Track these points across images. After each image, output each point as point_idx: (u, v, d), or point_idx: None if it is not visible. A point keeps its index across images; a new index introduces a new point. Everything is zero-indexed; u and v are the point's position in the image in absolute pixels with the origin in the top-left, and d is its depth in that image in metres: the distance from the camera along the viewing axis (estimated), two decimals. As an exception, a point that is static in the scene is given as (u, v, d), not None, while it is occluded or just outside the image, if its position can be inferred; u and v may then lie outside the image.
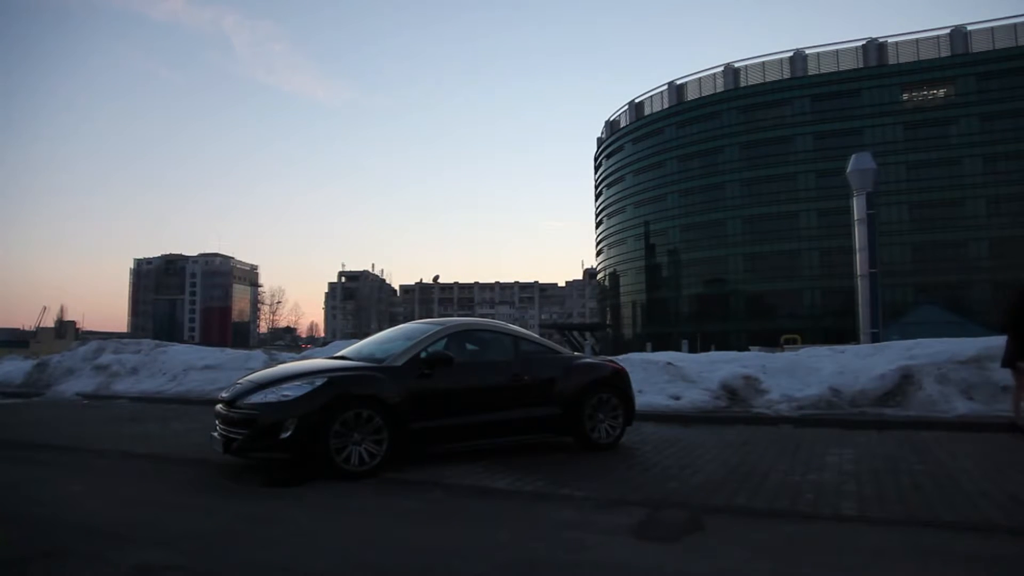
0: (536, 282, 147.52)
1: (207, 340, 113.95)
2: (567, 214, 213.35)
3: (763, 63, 69.85)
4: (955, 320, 41.68)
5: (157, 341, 18.09)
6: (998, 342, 9.57)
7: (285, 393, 5.38)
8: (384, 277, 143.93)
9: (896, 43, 64.56)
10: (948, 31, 62.39)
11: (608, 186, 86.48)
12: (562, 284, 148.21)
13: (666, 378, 10.07)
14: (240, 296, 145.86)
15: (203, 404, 11.38)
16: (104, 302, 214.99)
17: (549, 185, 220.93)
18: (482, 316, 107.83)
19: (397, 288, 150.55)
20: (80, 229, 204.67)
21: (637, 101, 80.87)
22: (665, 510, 4.32)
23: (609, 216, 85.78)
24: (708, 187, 71.48)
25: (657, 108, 77.78)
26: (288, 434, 5.19)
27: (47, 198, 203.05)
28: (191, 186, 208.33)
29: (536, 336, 7.33)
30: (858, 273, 27.71)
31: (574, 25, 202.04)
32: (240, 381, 6.07)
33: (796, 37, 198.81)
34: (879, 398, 8.93)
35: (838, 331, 60.84)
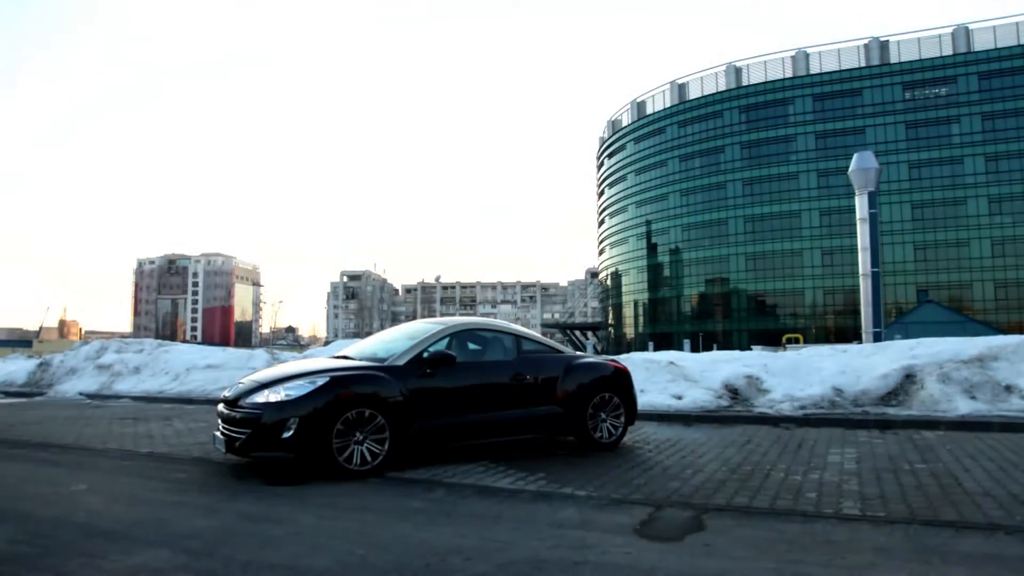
0: (538, 282, 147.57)
1: (209, 339, 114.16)
2: (569, 213, 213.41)
3: (765, 62, 69.82)
4: (957, 319, 41.64)
5: (159, 340, 18.11)
6: (1000, 341, 9.57)
7: (287, 392, 5.38)
8: (386, 277, 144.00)
9: (898, 42, 64.49)
10: (950, 30, 62.32)
11: (610, 185, 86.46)
12: (564, 283, 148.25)
13: (668, 377, 10.06)
14: (242, 296, 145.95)
15: (205, 403, 11.40)
16: (107, 302, 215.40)
17: (551, 184, 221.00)
18: (484, 316, 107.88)
19: (399, 288, 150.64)
20: (83, 229, 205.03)
21: (639, 100, 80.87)
22: (667, 509, 4.32)
23: (611, 215, 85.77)
24: (710, 186, 71.48)
25: (659, 107, 77.78)
26: (290, 433, 5.19)
27: (49, 198, 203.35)
28: (193, 186, 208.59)
29: (538, 335, 7.33)
30: (860, 272, 27.67)
31: (576, 24, 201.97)
32: (242, 380, 6.08)
33: (798, 36, 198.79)
34: (881, 397, 8.93)
35: (840, 330, 61.00)
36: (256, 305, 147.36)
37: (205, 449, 6.72)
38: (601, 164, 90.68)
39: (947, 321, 37.48)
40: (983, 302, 59.69)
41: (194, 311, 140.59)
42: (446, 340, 6.37)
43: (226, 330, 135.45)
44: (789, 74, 68.25)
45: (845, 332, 57.57)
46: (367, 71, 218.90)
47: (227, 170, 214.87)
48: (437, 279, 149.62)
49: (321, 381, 5.43)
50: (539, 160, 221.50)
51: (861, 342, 23.23)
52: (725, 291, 70.60)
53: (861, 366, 9.69)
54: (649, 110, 79.27)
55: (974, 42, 61.23)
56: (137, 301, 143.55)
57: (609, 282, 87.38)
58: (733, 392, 9.62)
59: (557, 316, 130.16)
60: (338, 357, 6.58)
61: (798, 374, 9.82)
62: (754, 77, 70.44)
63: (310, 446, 5.21)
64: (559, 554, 3.43)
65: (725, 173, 70.59)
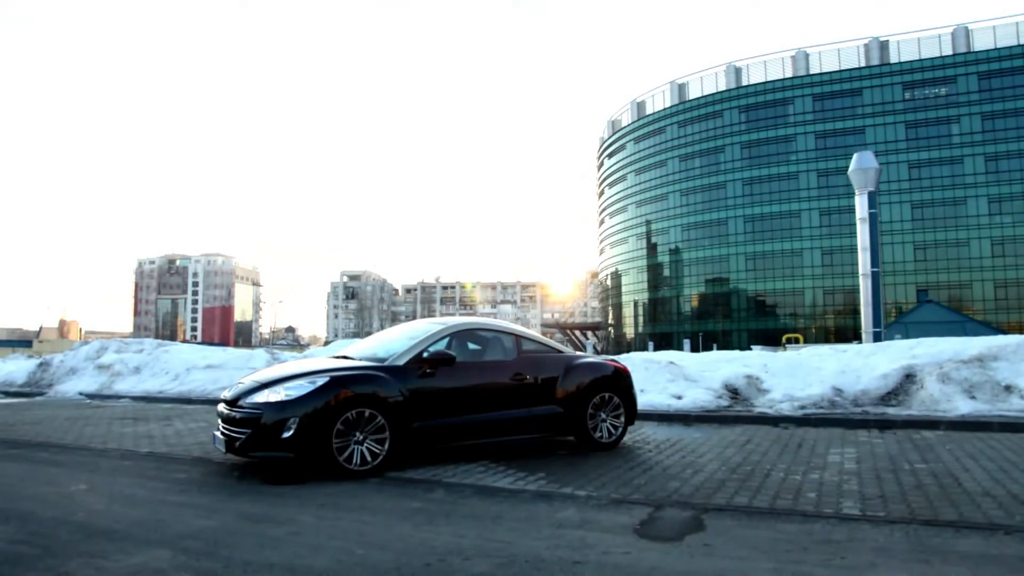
0: (538, 282, 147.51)
1: (209, 339, 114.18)
2: (569, 213, 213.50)
3: (765, 62, 69.86)
4: (957, 319, 41.63)
5: (159, 340, 18.10)
6: (1000, 341, 9.57)
7: (287, 392, 5.38)
8: (386, 277, 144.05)
9: (898, 42, 64.53)
10: (950, 30, 62.34)
11: (610, 185, 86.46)
12: (564, 283, 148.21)
13: (668, 377, 10.06)
14: (242, 296, 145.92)
15: (205, 403, 11.41)
16: (107, 302, 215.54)
17: (551, 184, 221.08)
18: (484, 316, 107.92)
19: (399, 288, 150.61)
20: (83, 229, 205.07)
21: (639, 100, 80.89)
22: (667, 509, 4.32)
23: (611, 215, 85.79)
24: (710, 186, 71.51)
25: (659, 107, 77.80)
26: (290, 433, 5.19)
27: (49, 198, 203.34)
28: (193, 186, 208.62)
29: (538, 335, 7.32)
30: (860, 272, 27.67)
31: (576, 24, 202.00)
32: (242, 380, 6.08)
33: (798, 36, 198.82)
34: (881, 397, 8.93)
35: (840, 330, 61.07)
36: (256, 305, 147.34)
37: (205, 449, 6.73)
38: (601, 164, 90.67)
39: (947, 321, 37.46)
40: (983, 302, 59.72)
41: (194, 311, 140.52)
42: (446, 340, 6.38)
43: (226, 330, 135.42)
44: (789, 74, 68.27)
45: (845, 332, 57.62)
46: (367, 71, 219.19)
47: (227, 170, 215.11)
48: (437, 279, 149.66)
49: (321, 381, 5.43)
50: (539, 160, 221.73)
51: (861, 342, 23.22)
52: (725, 291, 70.61)
53: (861, 366, 9.69)
54: (649, 110, 79.28)
55: (974, 42, 61.25)
56: (137, 301, 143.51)
57: (609, 282, 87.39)
58: (733, 392, 9.62)
59: (557, 316, 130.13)
60: (338, 357, 6.58)
61: (798, 374, 9.82)
62: (754, 77, 70.47)
63: (310, 446, 5.21)
64: (559, 554, 3.42)
65: (725, 173, 70.60)
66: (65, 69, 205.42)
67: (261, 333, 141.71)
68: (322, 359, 7.08)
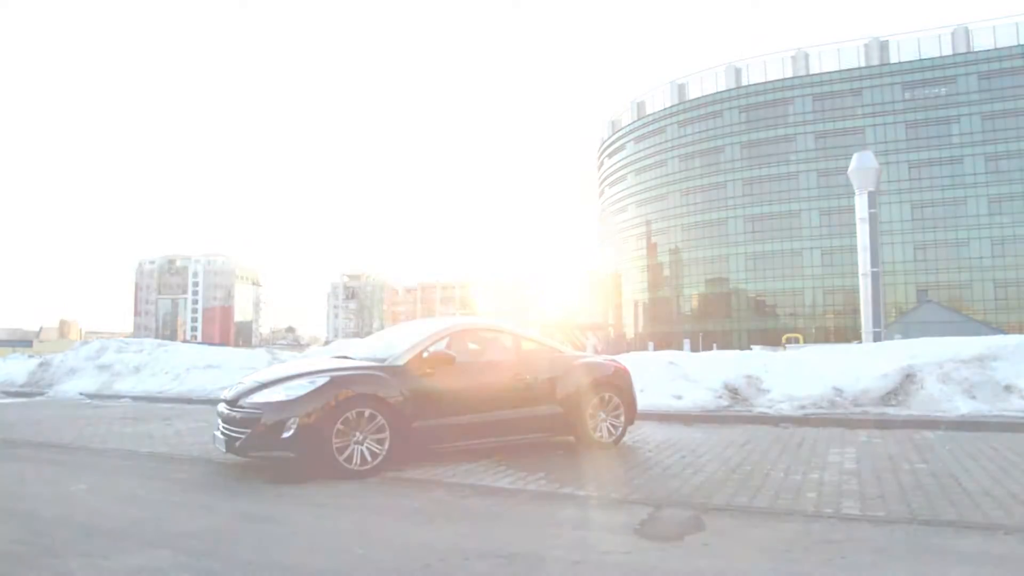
0: (538, 281, 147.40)
1: (209, 339, 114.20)
2: (569, 213, 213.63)
3: (765, 62, 69.91)
4: (957, 319, 41.68)
5: (159, 340, 18.12)
6: (1000, 341, 9.57)
7: (287, 392, 5.39)
8: (386, 277, 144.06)
9: (898, 41, 64.57)
10: (950, 29, 62.35)
11: (610, 185, 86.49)
12: (564, 283, 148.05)
13: (668, 377, 10.06)
14: (242, 296, 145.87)
15: (205, 403, 11.41)
16: (107, 302, 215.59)
17: (551, 184, 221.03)
18: (484, 316, 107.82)
19: (399, 288, 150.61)
20: (83, 229, 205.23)
21: (639, 100, 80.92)
22: (667, 509, 4.32)
23: (611, 215, 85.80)
24: (710, 186, 71.54)
25: (659, 107, 77.84)
26: (290, 433, 5.19)
27: (50, 198, 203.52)
28: (193, 186, 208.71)
29: (538, 335, 7.33)
30: (860, 272, 27.68)
31: (577, 24, 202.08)
32: (242, 380, 6.08)
33: (798, 36, 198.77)
34: (881, 397, 8.93)
35: (840, 330, 61.10)
36: (256, 305, 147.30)
37: (205, 449, 6.73)
38: (601, 164, 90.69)
39: (947, 321, 37.49)
40: (983, 302, 59.77)
41: (194, 311, 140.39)
42: (446, 340, 6.38)
43: (226, 330, 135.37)
44: (789, 74, 68.31)
45: (845, 332, 57.65)
46: (367, 71, 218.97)
47: (227, 170, 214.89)
48: (437, 280, 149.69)
49: (321, 381, 5.43)
50: (539, 160, 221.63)
51: (861, 342, 23.23)
52: (725, 291, 70.64)
53: (861, 366, 9.69)
54: (649, 110, 79.31)
55: (974, 42, 61.28)
56: (137, 301, 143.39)
57: (609, 282, 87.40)
58: (733, 392, 9.62)
59: (557, 316, 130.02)
60: (338, 357, 6.59)
61: (798, 374, 9.82)
62: (754, 77, 70.51)
63: (310, 446, 5.21)
64: (559, 554, 3.42)
65: (725, 173, 70.64)
66: (65, 69, 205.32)
67: (261, 333, 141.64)
68: (322, 359, 7.09)
